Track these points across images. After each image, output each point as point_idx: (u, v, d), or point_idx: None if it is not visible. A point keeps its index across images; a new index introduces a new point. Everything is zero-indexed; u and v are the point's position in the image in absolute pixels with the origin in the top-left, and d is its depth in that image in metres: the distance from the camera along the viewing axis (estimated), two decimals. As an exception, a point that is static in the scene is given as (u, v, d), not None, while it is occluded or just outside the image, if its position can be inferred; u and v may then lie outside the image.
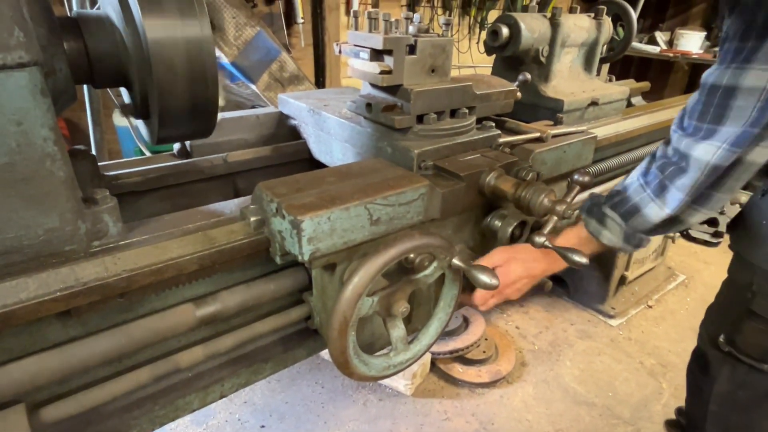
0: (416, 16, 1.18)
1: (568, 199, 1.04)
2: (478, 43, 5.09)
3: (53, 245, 0.87)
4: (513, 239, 1.25)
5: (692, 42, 5.30)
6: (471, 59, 5.10)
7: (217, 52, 2.28)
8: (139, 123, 1.14)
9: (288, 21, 3.50)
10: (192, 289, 1.09)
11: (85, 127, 2.34)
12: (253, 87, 2.39)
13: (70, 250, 0.89)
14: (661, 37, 5.54)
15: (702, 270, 3.42)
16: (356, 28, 1.19)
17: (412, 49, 1.16)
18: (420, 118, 1.22)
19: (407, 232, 0.97)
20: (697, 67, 5.71)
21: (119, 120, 2.82)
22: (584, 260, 0.96)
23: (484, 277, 0.93)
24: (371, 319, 1.22)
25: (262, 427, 2.06)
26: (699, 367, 1.32)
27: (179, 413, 1.15)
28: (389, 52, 1.13)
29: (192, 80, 0.94)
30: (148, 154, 1.75)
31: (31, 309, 0.80)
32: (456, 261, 1.00)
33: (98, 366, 0.98)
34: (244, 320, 1.20)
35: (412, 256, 1.12)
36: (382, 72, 1.14)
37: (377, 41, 1.11)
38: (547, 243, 1.00)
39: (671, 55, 5.27)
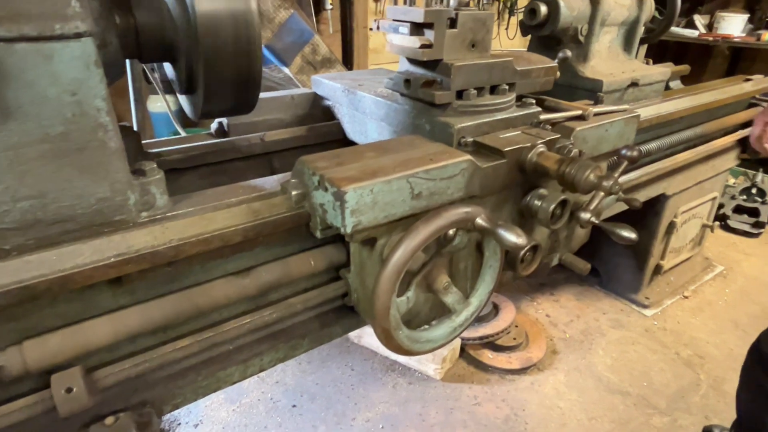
0: (457, -11, 1.16)
1: (616, 175, 1.01)
2: (507, 29, 4.99)
3: (104, 215, 0.90)
4: (554, 218, 1.22)
5: (734, 25, 5.06)
6: (500, 44, 5.00)
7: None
8: (182, 98, 1.16)
9: (316, 7, 3.50)
10: (234, 262, 1.10)
11: (121, 111, 2.40)
12: (286, 70, 2.40)
13: (120, 220, 0.92)
14: (699, 20, 5.31)
15: (741, 261, 3.29)
16: (395, 3, 1.17)
17: (452, 23, 1.14)
18: (459, 94, 1.20)
19: (434, 213, 0.95)
20: (739, 51, 5.46)
21: (153, 106, 2.88)
22: (633, 236, 0.93)
23: (511, 236, 0.89)
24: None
25: (294, 406, 2.10)
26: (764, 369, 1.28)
27: (221, 385, 1.18)
28: (430, 26, 1.11)
29: (237, 53, 0.95)
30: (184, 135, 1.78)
31: (86, 274, 0.83)
32: (479, 221, 0.96)
33: (146, 334, 1.01)
34: (282, 295, 1.21)
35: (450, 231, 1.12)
36: (423, 46, 1.12)
37: (418, 14, 1.09)
38: (593, 219, 0.98)
39: (711, 39, 5.05)
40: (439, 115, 1.19)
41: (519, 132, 1.22)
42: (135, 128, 2.04)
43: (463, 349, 2.36)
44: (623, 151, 1.00)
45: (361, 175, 0.94)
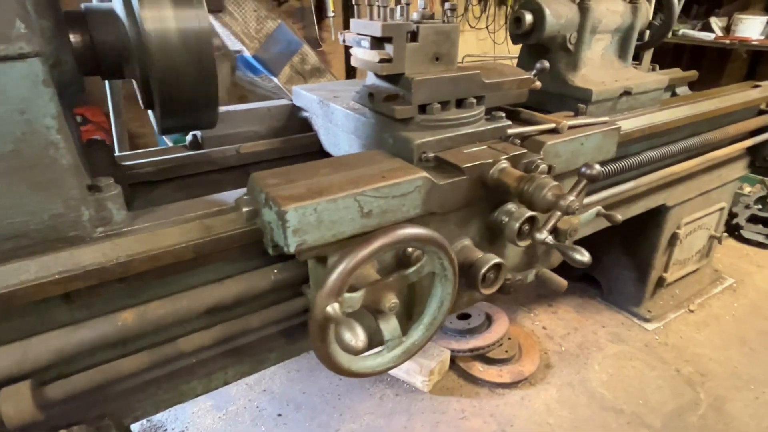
0: (420, 2, 1.15)
1: (574, 194, 0.98)
2: (515, 34, 4.93)
3: (59, 230, 0.92)
4: (521, 235, 1.19)
5: (753, 27, 4.88)
6: (508, 50, 4.95)
7: (240, 45, 2.33)
8: (150, 112, 1.17)
9: (319, 15, 3.52)
10: (194, 276, 1.11)
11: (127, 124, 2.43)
12: (275, 80, 2.43)
13: (75, 235, 0.93)
14: (716, 23, 5.14)
15: (754, 273, 3.16)
16: (358, 16, 1.17)
17: (413, 36, 1.13)
18: (423, 109, 1.19)
19: (385, 229, 0.93)
20: (758, 55, 5.28)
21: (155, 115, 2.93)
22: (586, 258, 0.90)
23: (347, 334, 0.83)
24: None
25: (279, 415, 2.10)
26: None
27: (183, 398, 1.19)
28: (389, 40, 1.10)
29: (189, 71, 0.95)
30: (170, 145, 1.81)
31: (31, 290, 0.85)
32: (329, 310, 0.87)
33: (101, 348, 1.02)
34: (246, 310, 1.22)
35: (410, 250, 1.10)
36: (382, 60, 1.12)
37: (376, 28, 1.08)
38: (548, 240, 0.95)
39: (728, 42, 4.89)
40: (401, 130, 1.18)
41: (485, 147, 1.20)
42: (115, 142, 2.09)
43: (453, 361, 2.33)
44: (582, 170, 0.97)
45: (306, 193, 0.94)
